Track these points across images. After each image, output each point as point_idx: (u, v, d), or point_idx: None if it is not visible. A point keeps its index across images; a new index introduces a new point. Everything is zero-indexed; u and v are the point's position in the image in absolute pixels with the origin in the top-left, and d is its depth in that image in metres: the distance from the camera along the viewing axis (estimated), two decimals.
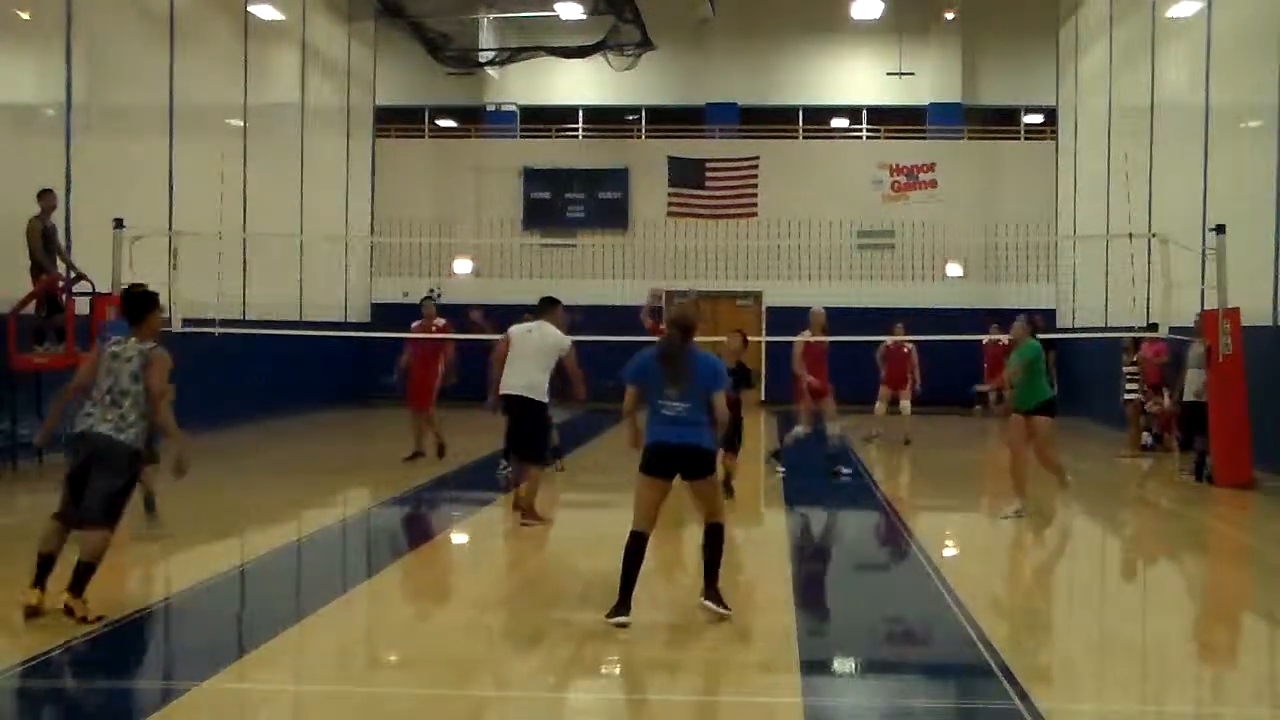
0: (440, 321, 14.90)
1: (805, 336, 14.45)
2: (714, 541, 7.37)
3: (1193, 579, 9.61)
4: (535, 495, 10.51)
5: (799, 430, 14.65)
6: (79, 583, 6.91)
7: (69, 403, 7.43)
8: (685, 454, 7.19)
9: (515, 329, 10.78)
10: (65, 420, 7.41)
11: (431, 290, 15.40)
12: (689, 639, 7.01)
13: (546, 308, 10.87)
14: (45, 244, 13.42)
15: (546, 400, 10.56)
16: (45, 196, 13.45)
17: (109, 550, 7.14)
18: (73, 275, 13.95)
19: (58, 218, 13.91)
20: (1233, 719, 5.98)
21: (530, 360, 10.45)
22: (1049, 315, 24.71)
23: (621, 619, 7.04)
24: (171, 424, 7.28)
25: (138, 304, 7.63)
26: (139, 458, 7.30)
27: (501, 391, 10.57)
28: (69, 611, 6.85)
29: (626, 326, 16.01)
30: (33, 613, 6.90)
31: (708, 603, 7.24)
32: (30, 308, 13.52)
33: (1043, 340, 20.48)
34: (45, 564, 7.04)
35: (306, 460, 15.47)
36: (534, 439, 10.55)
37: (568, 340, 10.68)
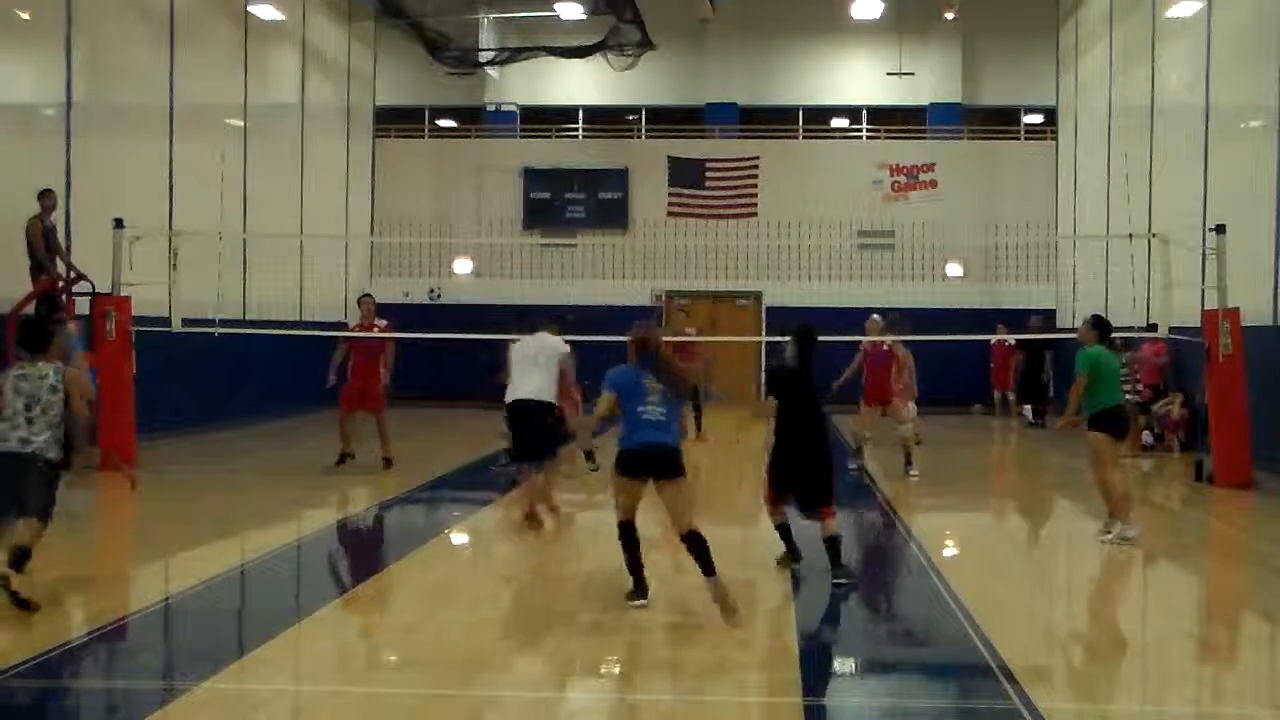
0: (382, 322, 14.40)
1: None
2: (697, 545, 7.48)
3: (1193, 579, 9.62)
4: (552, 489, 10.91)
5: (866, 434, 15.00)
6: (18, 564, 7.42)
7: None
8: (661, 455, 7.62)
9: (514, 348, 10.98)
10: None
11: (367, 294, 15.03)
12: (689, 639, 7.01)
13: (543, 324, 11.16)
14: (45, 244, 13.42)
15: (554, 400, 10.73)
16: (46, 196, 13.45)
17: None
18: (72, 275, 13.95)
19: (58, 218, 13.91)
20: (1233, 719, 5.98)
21: (532, 364, 10.65)
22: (1049, 315, 24.74)
23: (641, 601, 7.59)
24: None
25: (39, 333, 8.21)
26: (54, 465, 7.87)
27: (508, 400, 10.73)
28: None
29: (626, 326, 16.03)
30: None
31: (711, 580, 7.39)
32: (30, 308, 13.51)
33: (1038, 341, 20.72)
34: None
35: (306, 460, 15.45)
36: (545, 440, 10.75)
37: (566, 348, 10.97)
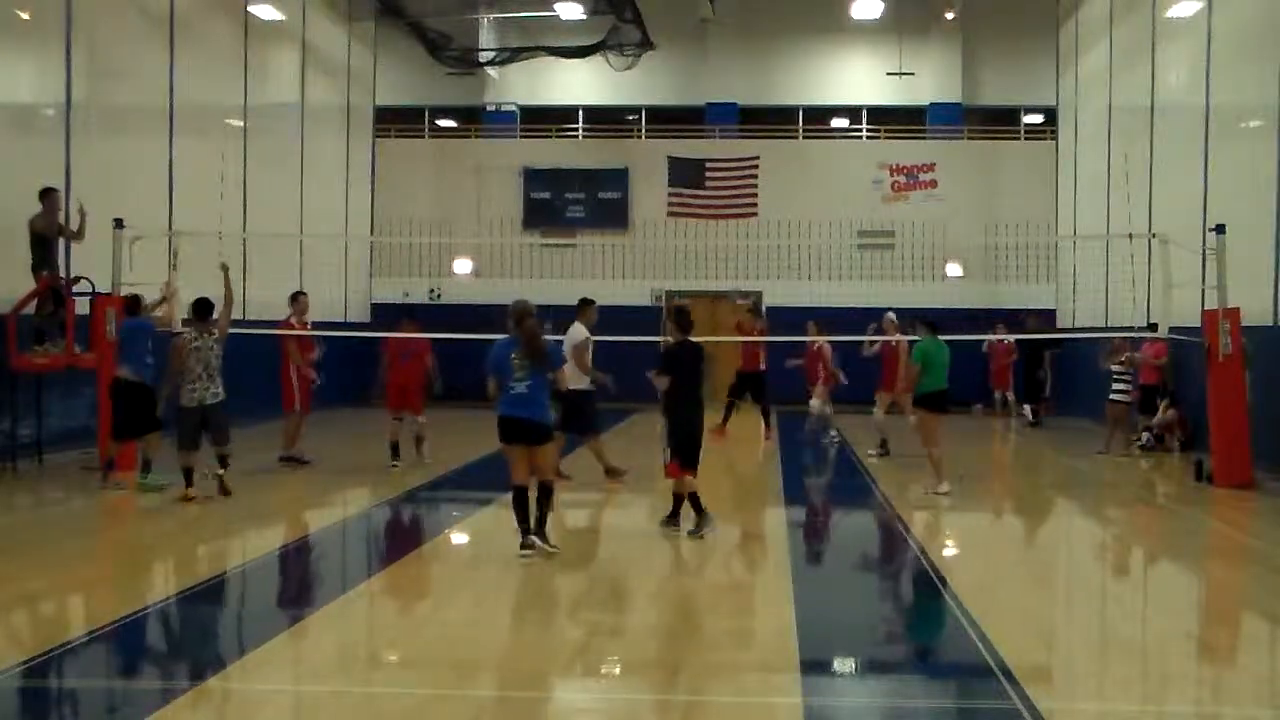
0: (309, 320, 14.91)
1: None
2: (544, 496, 9.07)
3: (1193, 579, 9.61)
4: (606, 456, 12.89)
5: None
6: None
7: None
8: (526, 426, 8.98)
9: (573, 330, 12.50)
10: None
11: (301, 292, 15.26)
12: (689, 639, 7.02)
13: (581, 307, 12.90)
14: (41, 244, 13.39)
15: (586, 386, 12.35)
16: (49, 196, 13.45)
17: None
18: (65, 279, 13.93)
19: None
20: (1233, 719, 5.98)
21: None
22: (1049, 315, 24.74)
23: (529, 553, 8.85)
24: None
25: (208, 306, 11.64)
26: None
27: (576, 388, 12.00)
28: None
29: (626, 326, 16.04)
30: None
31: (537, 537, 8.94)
32: (32, 307, 13.51)
33: (1033, 340, 20.73)
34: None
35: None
36: (587, 419, 12.67)
37: (584, 334, 12.57)
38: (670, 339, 10.38)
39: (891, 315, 16.73)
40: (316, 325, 15.64)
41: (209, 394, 11.39)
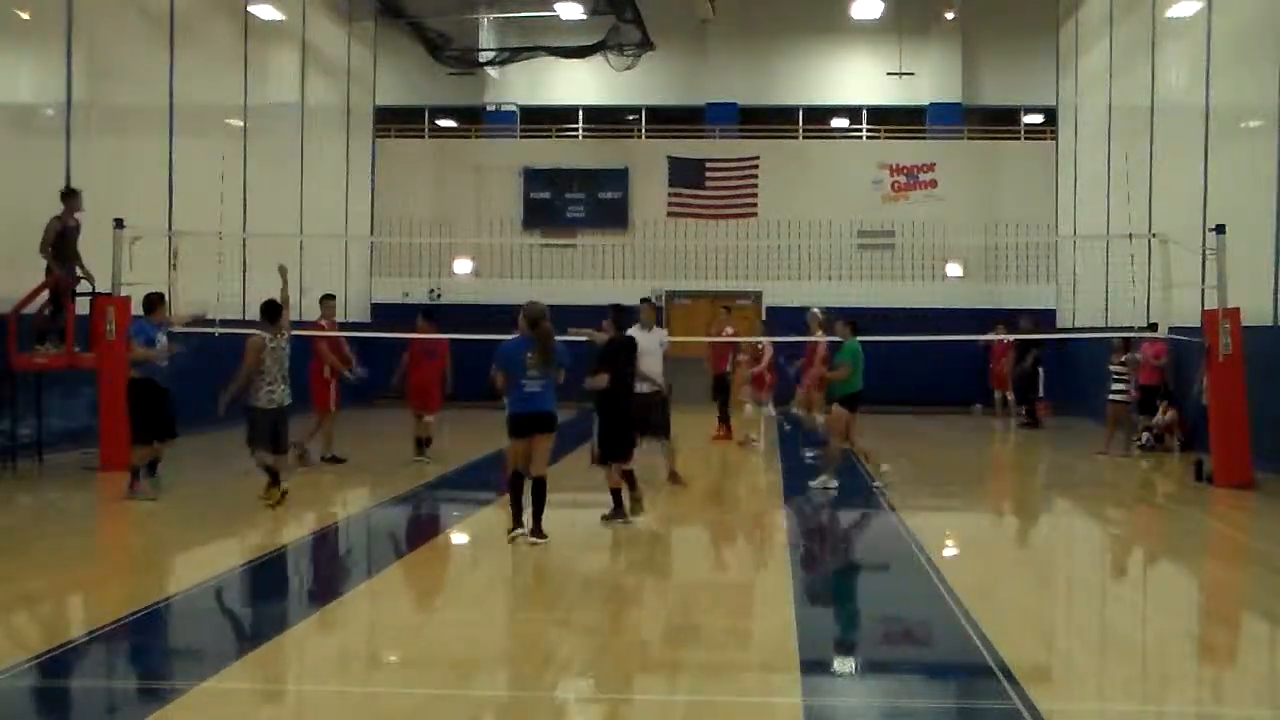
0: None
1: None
2: (539, 492, 9.53)
3: (1193, 579, 9.61)
4: (675, 459, 12.84)
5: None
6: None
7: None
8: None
9: (635, 333, 11.99)
10: None
11: (331, 295, 15.45)
12: (689, 639, 7.02)
13: (643, 306, 12.94)
14: (60, 243, 13.40)
15: (661, 387, 12.46)
16: (71, 197, 13.47)
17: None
18: (80, 276, 13.92)
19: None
20: (1233, 719, 5.98)
21: (652, 357, 12.17)
22: (1049, 315, 24.74)
23: (519, 531, 9.39)
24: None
25: (275, 308, 11.37)
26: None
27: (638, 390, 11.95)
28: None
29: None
30: None
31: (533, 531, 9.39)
32: (36, 306, 13.51)
33: (1025, 340, 20.73)
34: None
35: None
36: (667, 420, 12.60)
37: (666, 334, 12.98)
38: (603, 335, 10.72)
39: (815, 310, 16.50)
40: (316, 325, 15.62)
41: (286, 396, 11.23)
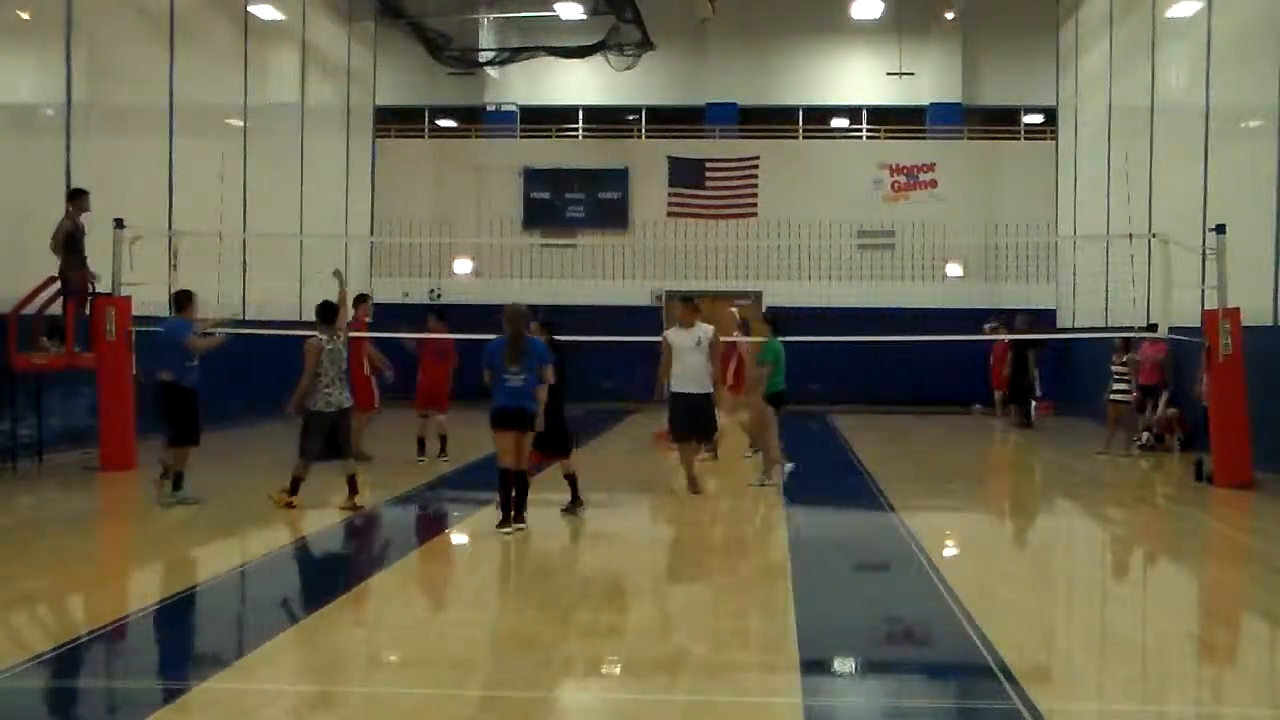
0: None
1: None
2: (521, 485, 10.08)
3: (1193, 579, 9.61)
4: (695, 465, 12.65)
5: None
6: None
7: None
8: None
9: (671, 333, 12.25)
10: None
11: (366, 295, 15.50)
12: (689, 639, 7.02)
13: (681, 303, 12.68)
14: (70, 244, 13.41)
15: (709, 388, 12.26)
16: (78, 197, 13.47)
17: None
18: (92, 277, 13.94)
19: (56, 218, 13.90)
20: (1233, 719, 5.98)
21: (694, 356, 12.05)
22: (1049, 315, 24.75)
23: (507, 529, 9.85)
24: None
25: (332, 309, 11.36)
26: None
27: (678, 390, 12.17)
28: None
29: (626, 326, 16.04)
30: None
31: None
32: (36, 306, 13.52)
33: (1021, 340, 20.73)
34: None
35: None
36: (712, 421, 12.60)
37: (713, 330, 12.38)
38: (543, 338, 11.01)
39: (733, 310, 16.31)
40: (316, 326, 15.62)
41: (345, 399, 11.16)
